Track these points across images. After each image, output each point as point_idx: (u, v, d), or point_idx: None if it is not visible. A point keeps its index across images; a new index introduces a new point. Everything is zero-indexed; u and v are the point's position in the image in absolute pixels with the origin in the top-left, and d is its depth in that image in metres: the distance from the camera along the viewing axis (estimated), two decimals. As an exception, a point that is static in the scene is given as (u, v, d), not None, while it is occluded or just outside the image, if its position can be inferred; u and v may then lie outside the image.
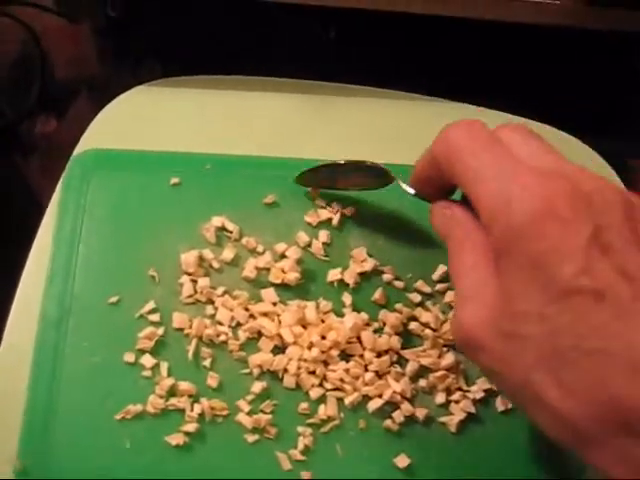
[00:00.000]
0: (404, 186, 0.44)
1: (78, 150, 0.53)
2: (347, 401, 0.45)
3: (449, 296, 0.49)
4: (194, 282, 0.48)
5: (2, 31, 0.99)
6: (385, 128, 0.57)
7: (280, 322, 0.46)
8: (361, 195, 0.51)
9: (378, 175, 0.48)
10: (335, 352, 0.46)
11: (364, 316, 0.47)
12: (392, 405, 0.45)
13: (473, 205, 0.34)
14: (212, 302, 0.48)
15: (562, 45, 0.69)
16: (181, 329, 0.47)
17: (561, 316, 0.29)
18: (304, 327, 0.46)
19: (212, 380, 0.45)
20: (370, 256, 0.49)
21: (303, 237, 0.50)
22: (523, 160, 0.33)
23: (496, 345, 0.31)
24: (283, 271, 0.48)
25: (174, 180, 0.52)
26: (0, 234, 0.79)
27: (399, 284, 0.49)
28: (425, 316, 0.48)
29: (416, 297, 0.49)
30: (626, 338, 0.28)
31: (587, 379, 0.28)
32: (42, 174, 0.93)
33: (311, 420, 0.45)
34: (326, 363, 0.46)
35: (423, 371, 0.47)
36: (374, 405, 0.45)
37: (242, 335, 0.46)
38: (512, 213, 0.30)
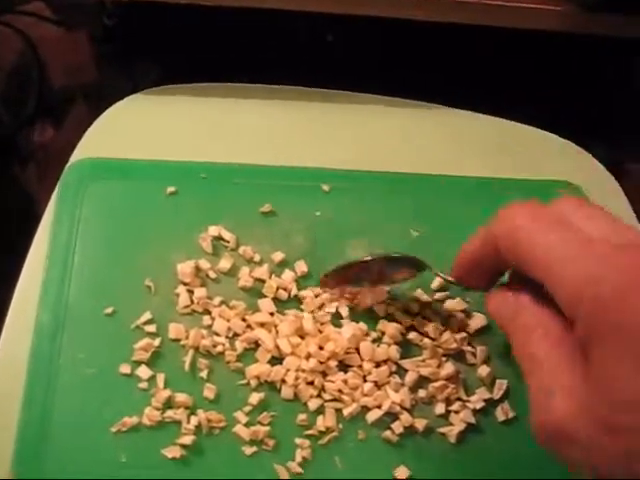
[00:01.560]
0: (441, 275, 0.43)
1: (73, 159, 0.53)
2: (346, 412, 0.44)
3: (448, 305, 0.48)
4: (190, 292, 0.47)
5: (-1, 40, 0.99)
6: (382, 135, 0.57)
7: (277, 332, 0.46)
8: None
9: (409, 264, 0.45)
10: (333, 363, 0.45)
11: (362, 326, 0.47)
12: (391, 416, 0.45)
13: (549, 288, 0.31)
14: (209, 312, 0.47)
15: (560, 50, 0.69)
16: (177, 340, 0.46)
17: None
18: (302, 337, 0.46)
19: (209, 391, 0.45)
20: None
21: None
22: (594, 236, 0.31)
23: (594, 437, 0.28)
24: (278, 287, 0.48)
25: (170, 189, 0.51)
26: (-3, 243, 0.78)
27: (398, 294, 0.48)
28: (424, 326, 0.47)
29: (415, 306, 0.48)
30: None
31: None
32: (39, 182, 0.93)
33: (309, 431, 0.44)
34: (324, 374, 0.45)
35: (422, 381, 0.46)
36: (373, 416, 0.44)
37: (239, 346, 0.46)
38: (602, 292, 0.28)
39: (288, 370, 0.45)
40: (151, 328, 0.46)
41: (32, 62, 1.00)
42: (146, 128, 0.55)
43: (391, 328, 0.47)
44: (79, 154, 0.53)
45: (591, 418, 0.28)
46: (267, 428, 0.44)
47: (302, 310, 0.47)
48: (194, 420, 0.44)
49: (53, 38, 0.99)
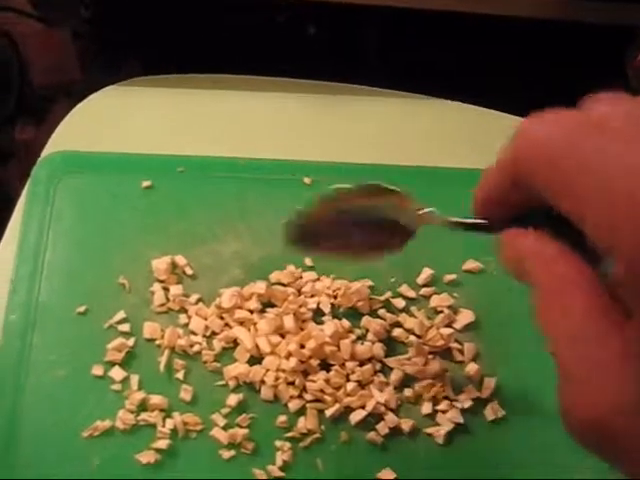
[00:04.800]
0: (453, 219, 0.33)
1: (45, 153, 0.51)
2: (328, 413, 0.43)
3: (434, 300, 0.47)
4: (166, 290, 0.46)
5: (-21, 37, 0.97)
6: (365, 126, 0.55)
7: (257, 331, 0.44)
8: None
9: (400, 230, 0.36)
10: (315, 361, 0.43)
11: (345, 323, 0.45)
12: (376, 416, 0.43)
13: (578, 220, 0.22)
14: (185, 311, 0.45)
15: (550, 38, 0.68)
16: (152, 339, 0.44)
17: None
18: (282, 336, 0.44)
19: (185, 393, 0.43)
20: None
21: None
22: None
23: None
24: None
25: (145, 183, 0.49)
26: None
27: (382, 290, 0.47)
28: (410, 322, 0.46)
29: (400, 302, 0.46)
30: None
31: None
32: (20, 181, 0.91)
33: (290, 434, 0.42)
34: (305, 373, 0.43)
35: (408, 380, 0.44)
36: (357, 417, 0.43)
37: (217, 345, 0.44)
38: None
39: (268, 370, 0.43)
40: (125, 327, 0.44)
41: (13, 59, 0.98)
42: (121, 121, 0.53)
43: (375, 325, 0.45)
44: (51, 148, 0.51)
45: None
46: (246, 431, 0.42)
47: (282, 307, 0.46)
48: (169, 423, 0.42)
49: (34, 35, 0.97)
